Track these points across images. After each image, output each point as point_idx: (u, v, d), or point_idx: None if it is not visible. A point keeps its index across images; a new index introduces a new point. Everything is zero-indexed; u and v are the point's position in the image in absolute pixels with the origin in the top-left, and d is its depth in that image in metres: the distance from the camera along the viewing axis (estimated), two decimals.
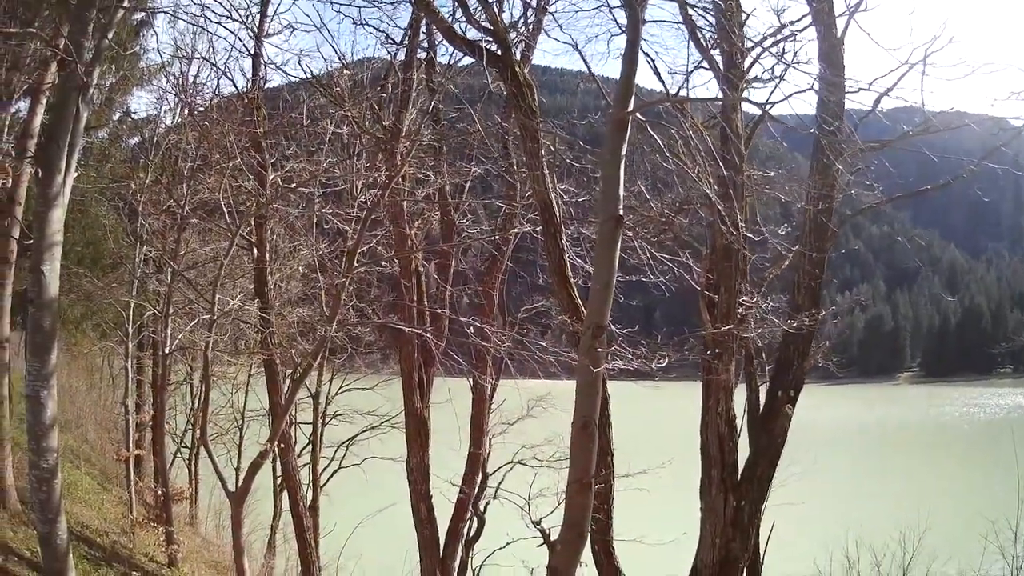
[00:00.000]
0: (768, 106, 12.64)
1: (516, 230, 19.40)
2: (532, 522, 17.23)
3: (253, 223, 20.90)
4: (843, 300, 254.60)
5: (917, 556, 21.10)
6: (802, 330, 12.65)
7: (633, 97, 10.08)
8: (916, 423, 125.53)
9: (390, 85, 19.23)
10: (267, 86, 21.72)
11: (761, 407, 13.88)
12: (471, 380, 20.95)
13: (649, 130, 10.90)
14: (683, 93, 12.76)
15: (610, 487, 13.90)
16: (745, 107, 14.08)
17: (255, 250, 21.61)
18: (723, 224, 11.40)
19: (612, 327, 11.00)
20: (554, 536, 12.98)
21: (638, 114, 10.48)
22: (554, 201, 12.78)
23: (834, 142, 11.51)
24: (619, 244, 9.95)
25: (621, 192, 9.81)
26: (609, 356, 10.70)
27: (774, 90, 13.02)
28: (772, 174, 14.82)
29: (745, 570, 17.42)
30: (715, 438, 12.94)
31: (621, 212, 9.78)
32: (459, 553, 21.56)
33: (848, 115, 12.82)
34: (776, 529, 19.02)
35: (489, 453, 21.76)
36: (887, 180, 14.73)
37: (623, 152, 9.90)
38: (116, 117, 31.74)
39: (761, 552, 17.89)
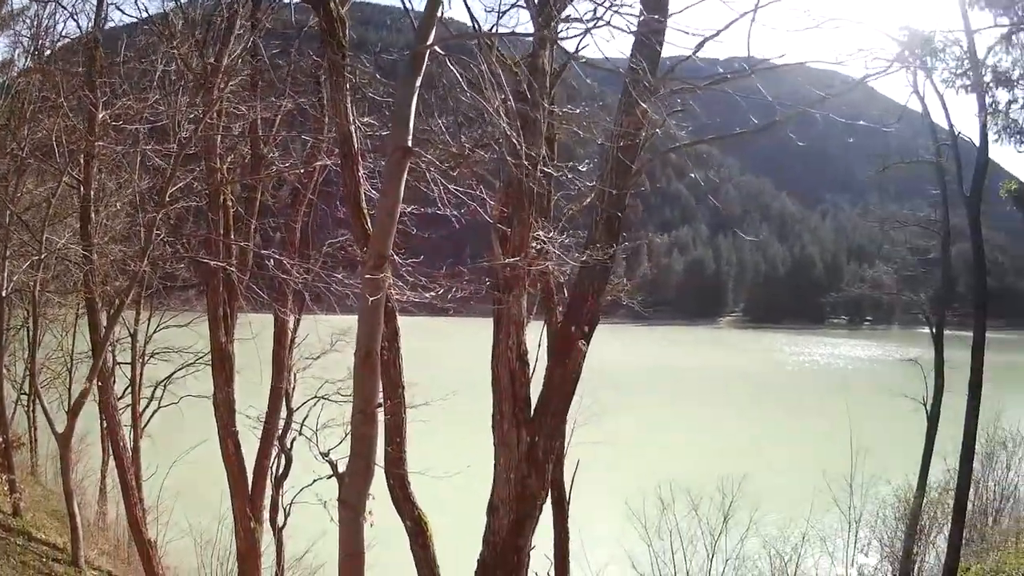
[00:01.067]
0: (582, 47, 12.82)
1: (320, 163, 19.53)
2: (320, 454, 17.23)
3: (82, 161, 20.89)
4: (661, 242, 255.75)
5: (739, 501, 21.56)
6: (596, 266, 12.64)
7: (433, 32, 9.98)
8: (741, 368, 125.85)
9: (217, 22, 19.29)
10: (108, 26, 22.37)
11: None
12: (273, 314, 20.96)
13: (449, 64, 10.73)
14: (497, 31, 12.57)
15: (401, 419, 13.87)
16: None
17: (81, 188, 21.32)
18: (516, 158, 11.37)
19: (396, 257, 10.86)
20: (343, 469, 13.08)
21: (438, 48, 10.32)
22: (353, 133, 12.69)
23: (638, 82, 11.38)
24: (405, 175, 9.95)
25: (411, 124, 9.77)
26: (389, 285, 10.65)
27: (588, 31, 12.94)
28: (576, 111, 14.79)
29: (553, 508, 17.67)
30: (506, 372, 12.92)
31: (409, 143, 9.75)
32: (268, 491, 21.77)
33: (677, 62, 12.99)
34: (592, 469, 19.29)
35: (294, 388, 21.66)
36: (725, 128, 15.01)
37: (416, 85, 9.86)
38: None
39: (567, 490, 18.13)
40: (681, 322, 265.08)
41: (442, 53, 10.60)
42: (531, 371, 13.49)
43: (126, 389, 30.89)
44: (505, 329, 12.96)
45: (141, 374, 31.72)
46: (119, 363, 31.61)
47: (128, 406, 29.27)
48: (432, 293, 12.06)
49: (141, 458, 29.05)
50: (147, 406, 32.00)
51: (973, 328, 20.74)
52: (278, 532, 22.64)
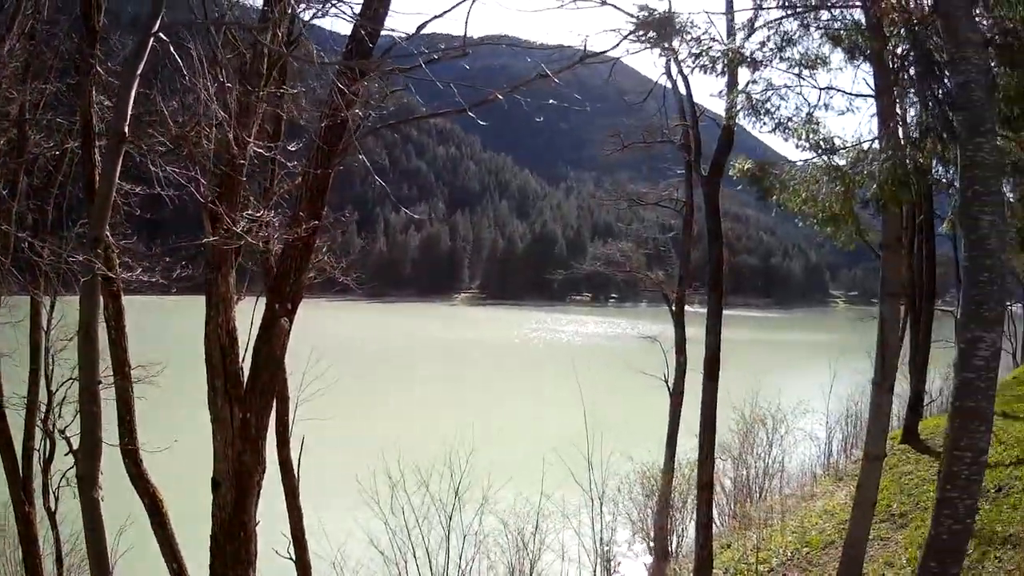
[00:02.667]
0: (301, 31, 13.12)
1: (69, 145, 18.80)
2: (58, 432, 16.59)
3: None
4: (396, 219, 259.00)
5: (471, 476, 21.23)
6: (299, 244, 12.43)
7: (160, 18, 9.93)
8: (472, 343, 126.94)
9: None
10: None
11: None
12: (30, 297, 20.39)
13: (172, 49, 10.65)
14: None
15: (129, 396, 14.17)
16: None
17: None
18: (229, 139, 11.12)
19: (110, 238, 11.00)
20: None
21: (163, 35, 10.27)
22: (94, 117, 13.02)
23: (348, 66, 11.30)
24: (120, 160, 10.02)
25: (129, 110, 9.80)
26: (110, 266, 11.03)
27: (315, 15, 12.69)
28: (295, 92, 14.58)
29: (284, 486, 17.25)
30: (217, 349, 12.58)
31: (126, 129, 9.78)
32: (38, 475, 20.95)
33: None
34: (324, 445, 18.76)
35: (52, 369, 20.56)
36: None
37: (138, 72, 9.87)
38: None
39: (295, 467, 18.25)
40: (417, 299, 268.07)
41: (165, 39, 10.53)
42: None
43: None
44: (215, 307, 12.63)
45: None
46: None
47: None
48: (150, 273, 12.40)
49: None
50: None
51: (708, 307, 20.86)
52: (51, 515, 21.53)
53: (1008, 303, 75.17)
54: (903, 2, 14.17)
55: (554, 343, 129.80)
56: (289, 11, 11.72)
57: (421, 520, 21.14)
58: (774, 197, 15.08)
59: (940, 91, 12.95)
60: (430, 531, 21.17)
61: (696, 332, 22.28)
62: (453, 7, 9.88)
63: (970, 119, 8.49)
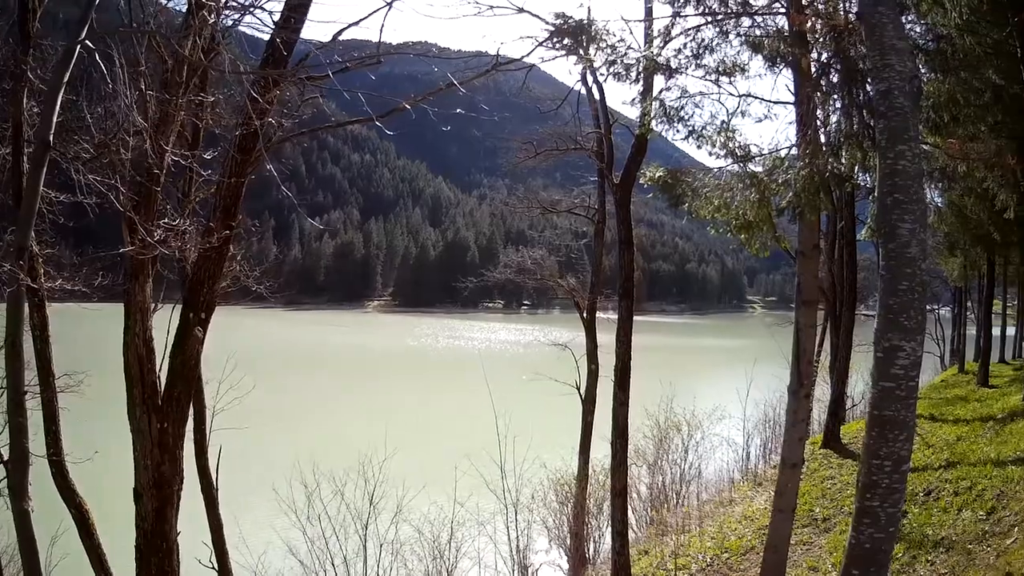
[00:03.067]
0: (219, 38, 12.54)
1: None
2: None
3: None
4: (312, 226, 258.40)
5: (385, 484, 21.13)
6: (212, 253, 12.63)
7: (89, 25, 9.78)
8: (384, 351, 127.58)
9: None
10: None
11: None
12: None
13: (98, 59, 10.19)
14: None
15: (54, 407, 14.45)
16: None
17: None
18: (149, 148, 11.15)
19: (36, 247, 11.69)
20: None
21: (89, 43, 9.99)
22: (24, 122, 13.14)
23: (263, 75, 11.65)
24: (45, 167, 9.90)
25: (55, 118, 9.72)
26: (27, 275, 10.58)
27: (235, 24, 12.75)
28: (212, 100, 14.55)
29: (203, 496, 17.20)
30: (135, 359, 12.61)
31: (50, 138, 9.66)
32: None
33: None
34: (242, 454, 18.57)
35: None
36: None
37: (64, 80, 9.73)
38: None
39: (214, 477, 18.44)
40: (331, 306, 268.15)
41: (92, 47, 10.23)
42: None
43: None
44: (133, 316, 12.68)
45: None
46: None
47: None
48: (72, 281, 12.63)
49: None
50: None
51: (618, 315, 20.88)
52: None
53: (935, 307, 76.31)
54: (828, 9, 14.27)
55: (466, 350, 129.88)
56: (209, 19, 11.54)
57: (338, 529, 21.19)
58: (685, 205, 15.07)
59: (862, 98, 13.04)
60: (347, 540, 21.23)
61: (609, 339, 22.30)
62: (368, 15, 9.82)
63: (892, 127, 8.46)
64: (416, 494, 22.59)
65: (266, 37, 11.88)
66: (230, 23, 12.50)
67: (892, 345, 8.56)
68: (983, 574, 13.73)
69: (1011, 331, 72.36)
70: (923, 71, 14.69)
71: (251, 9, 10.73)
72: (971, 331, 69.49)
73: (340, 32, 10.59)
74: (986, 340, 48.38)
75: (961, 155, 16.31)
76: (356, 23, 10.32)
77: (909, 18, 14.89)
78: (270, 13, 11.61)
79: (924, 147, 10.69)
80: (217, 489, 18.86)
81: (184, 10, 12.81)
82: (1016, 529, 15.37)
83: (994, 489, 18.83)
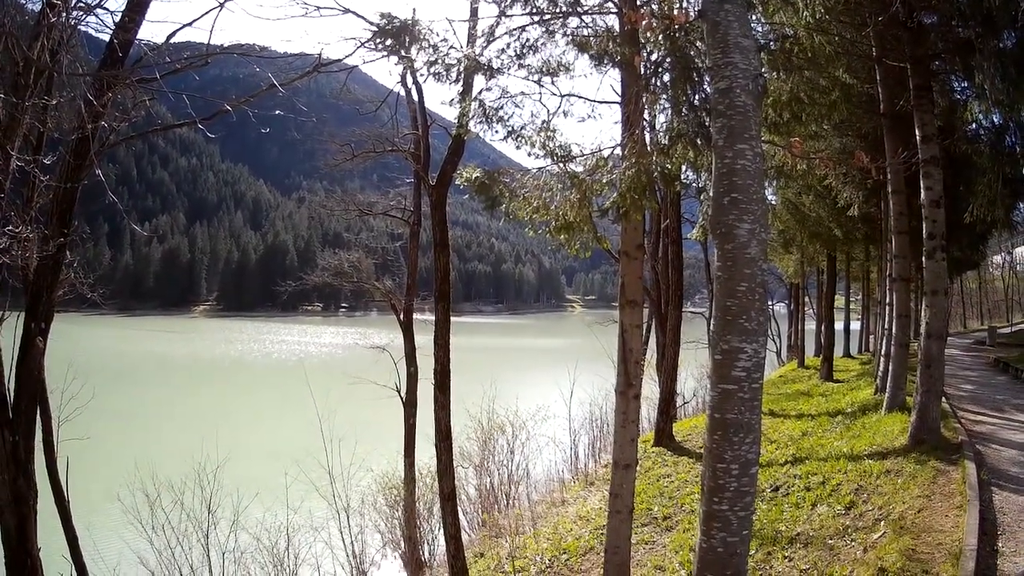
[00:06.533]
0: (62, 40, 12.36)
1: None
2: None
3: None
4: (143, 232, 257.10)
5: (221, 492, 20.87)
6: (48, 262, 12.75)
7: None
8: (211, 356, 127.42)
9: None
10: None
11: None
12: None
13: None
14: None
15: None
16: None
17: None
18: None
19: None
20: None
21: None
22: None
23: (99, 78, 11.70)
24: None
25: None
26: None
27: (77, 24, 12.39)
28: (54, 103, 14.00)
29: (57, 509, 17.65)
30: None
31: None
32: None
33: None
34: (91, 465, 18.12)
35: None
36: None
37: None
38: None
39: (64, 489, 17.95)
40: (160, 312, 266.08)
41: None
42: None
43: None
44: None
45: None
46: None
47: None
48: None
49: None
50: None
51: (435, 317, 20.79)
52: None
53: (770, 302, 77.86)
54: (663, 8, 14.24)
55: (289, 355, 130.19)
56: (59, 19, 11.24)
57: (181, 538, 21.01)
58: (503, 206, 14.89)
59: (697, 97, 13.02)
60: (191, 549, 21.05)
61: (428, 340, 22.22)
62: (202, 15, 9.60)
63: (732, 125, 8.34)
64: (251, 501, 22.59)
65: (106, 39, 11.92)
66: (74, 23, 12.16)
67: (732, 347, 8.47)
68: (851, 569, 13.76)
69: (855, 326, 74.07)
70: (764, 70, 14.78)
71: (95, 10, 10.39)
72: (810, 326, 71.22)
73: (174, 33, 10.54)
74: (828, 335, 49.56)
75: (802, 153, 16.51)
76: (190, 23, 10.23)
77: (752, 18, 15.02)
78: (112, 13, 11.42)
79: (763, 145, 10.73)
80: (69, 501, 18.28)
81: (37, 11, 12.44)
82: (883, 523, 15.52)
83: (851, 484, 19.15)
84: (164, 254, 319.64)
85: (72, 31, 12.27)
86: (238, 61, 14.56)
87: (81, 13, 11.70)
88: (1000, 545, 13.23)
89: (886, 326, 31.65)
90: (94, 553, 19.82)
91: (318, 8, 14.30)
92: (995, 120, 23.09)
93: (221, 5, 10.00)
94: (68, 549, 18.11)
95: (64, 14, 11.21)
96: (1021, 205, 27.50)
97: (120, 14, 11.65)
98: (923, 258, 21.62)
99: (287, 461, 24.65)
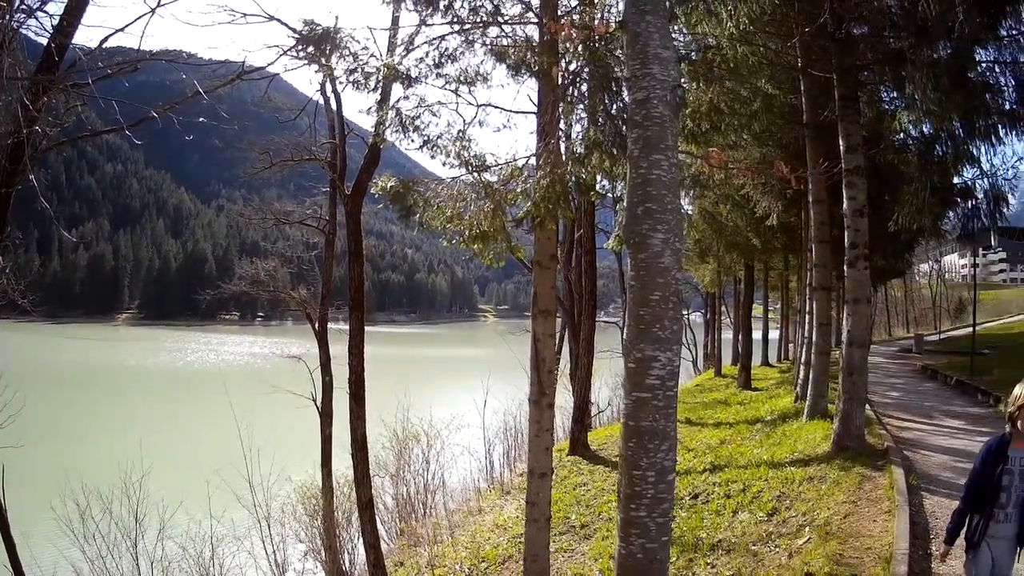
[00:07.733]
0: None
1: None
2: None
3: None
4: (71, 237, 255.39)
5: (147, 501, 20.81)
6: None
7: None
8: (134, 365, 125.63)
9: None
10: None
11: None
12: None
13: None
14: None
15: None
16: None
17: None
18: None
19: None
20: None
21: None
22: None
23: (36, 82, 11.57)
24: None
25: None
26: None
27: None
28: None
29: None
30: None
31: None
32: None
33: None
34: (20, 475, 17.98)
35: None
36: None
37: None
38: None
39: (1, 497, 17.51)
40: (85, 319, 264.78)
41: None
42: None
43: None
44: None
45: None
46: None
47: None
48: None
49: None
50: None
51: (349, 327, 20.82)
52: None
53: (686, 312, 78.26)
54: (584, 19, 14.32)
55: (208, 364, 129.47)
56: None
57: (111, 547, 20.87)
58: (416, 216, 14.87)
59: (614, 107, 13.09)
60: (120, 558, 20.99)
61: (343, 350, 22.24)
62: (132, 21, 9.62)
63: (648, 135, 8.36)
64: (175, 510, 22.33)
65: (43, 43, 11.71)
66: (16, 26, 12.01)
67: (646, 355, 8.48)
68: (777, 574, 13.84)
69: (774, 334, 74.45)
70: (685, 80, 14.89)
71: (36, 12, 10.31)
72: (727, 335, 71.52)
73: (107, 38, 10.43)
74: (745, 344, 49.77)
75: (721, 163, 16.65)
76: (122, 29, 10.13)
77: (674, 28, 15.14)
78: (51, 17, 11.42)
79: (680, 156, 10.78)
80: (6, 509, 17.75)
81: None
82: (807, 529, 15.60)
83: (773, 491, 19.21)
84: (89, 261, 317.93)
85: (14, 34, 12.15)
86: (165, 68, 14.55)
87: (23, 16, 11.56)
88: (933, 549, 13.26)
89: (806, 334, 31.91)
90: (31, 562, 19.28)
91: (244, 15, 14.32)
92: (924, 130, 23.31)
93: (152, 11, 9.97)
94: (7, 557, 17.81)
95: (7, 16, 11.07)
96: (950, 213, 27.80)
97: (59, 18, 11.53)
98: (845, 267, 21.81)
99: (208, 470, 24.52)
